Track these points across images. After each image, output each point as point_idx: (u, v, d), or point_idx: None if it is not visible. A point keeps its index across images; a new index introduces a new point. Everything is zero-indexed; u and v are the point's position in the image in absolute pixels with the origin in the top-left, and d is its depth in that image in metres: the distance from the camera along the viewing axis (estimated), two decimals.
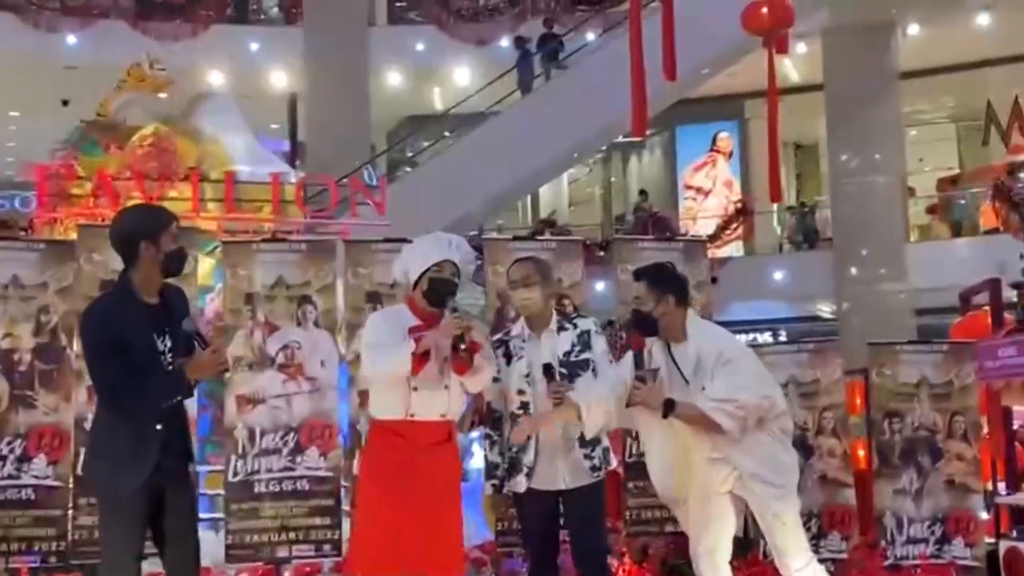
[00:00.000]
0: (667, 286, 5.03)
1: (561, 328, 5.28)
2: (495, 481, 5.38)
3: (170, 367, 4.58)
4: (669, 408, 4.82)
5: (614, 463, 5.39)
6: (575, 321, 5.34)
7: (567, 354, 5.22)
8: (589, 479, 5.19)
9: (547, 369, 5.13)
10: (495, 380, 5.23)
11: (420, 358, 4.74)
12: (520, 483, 5.22)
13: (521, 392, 5.22)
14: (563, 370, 5.16)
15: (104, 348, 4.51)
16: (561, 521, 5.34)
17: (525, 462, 5.19)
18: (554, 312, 5.34)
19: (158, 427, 4.53)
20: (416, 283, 4.93)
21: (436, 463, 4.88)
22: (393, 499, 4.80)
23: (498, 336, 5.49)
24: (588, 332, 5.28)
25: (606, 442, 5.29)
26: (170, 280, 4.80)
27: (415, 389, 4.81)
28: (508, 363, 5.26)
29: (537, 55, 19.13)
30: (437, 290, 4.86)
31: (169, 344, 4.60)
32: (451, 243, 4.99)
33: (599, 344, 5.29)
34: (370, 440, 5.12)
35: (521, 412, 5.21)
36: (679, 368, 4.96)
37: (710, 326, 5.24)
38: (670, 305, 4.99)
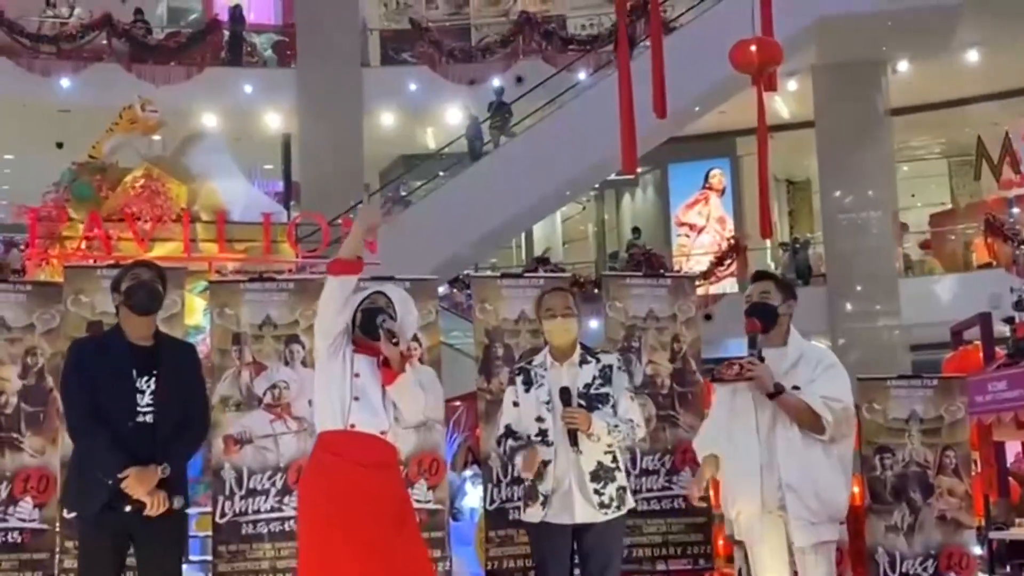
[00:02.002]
0: (791, 291, 5.24)
1: (584, 361, 5.28)
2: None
3: (149, 408, 4.69)
4: (779, 390, 4.89)
5: (630, 502, 5.30)
6: (598, 355, 5.33)
7: (587, 386, 5.20)
8: (599, 516, 5.14)
9: (564, 393, 5.13)
10: (514, 404, 5.27)
11: (387, 368, 4.71)
12: (535, 513, 5.18)
13: (540, 419, 5.20)
14: (581, 402, 5.14)
15: (70, 379, 4.80)
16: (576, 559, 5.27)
17: (542, 491, 5.15)
18: (579, 345, 5.33)
19: (109, 481, 4.58)
20: (354, 324, 4.88)
21: (383, 493, 4.74)
22: (344, 536, 4.63)
23: (520, 364, 5.54)
24: (611, 367, 5.28)
25: (622, 480, 5.23)
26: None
27: (356, 399, 4.73)
28: (528, 390, 5.26)
29: (485, 122, 19.26)
30: (369, 316, 4.79)
31: (153, 386, 4.72)
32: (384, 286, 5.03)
33: (621, 380, 5.28)
34: (317, 451, 4.87)
35: (539, 440, 5.18)
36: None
37: (809, 341, 5.34)
38: (790, 309, 5.15)
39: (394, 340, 4.70)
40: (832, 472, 4.97)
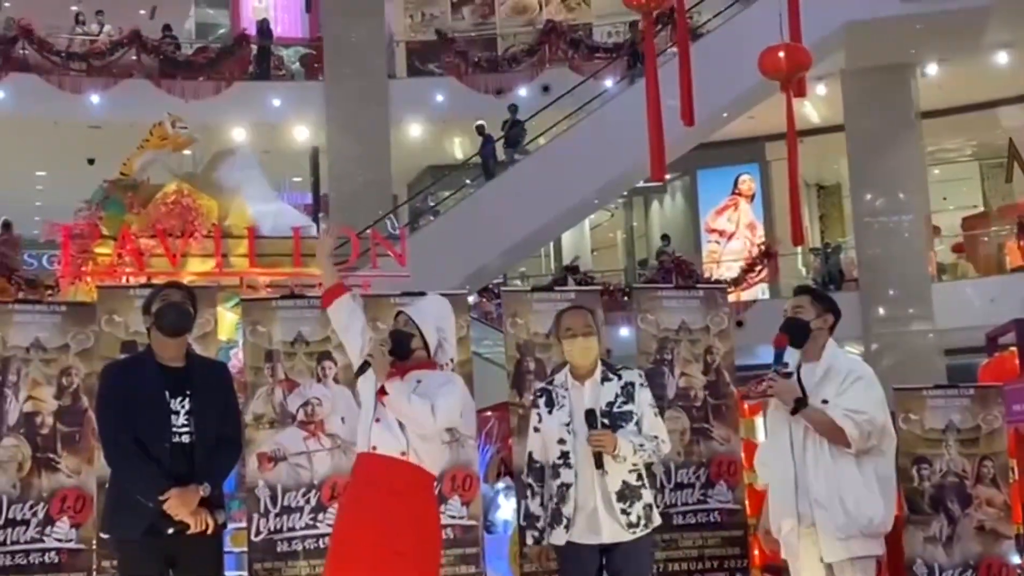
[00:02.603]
0: (829, 305, 5.19)
1: (605, 379, 5.22)
2: (535, 533, 5.23)
3: (185, 428, 4.72)
4: (800, 405, 4.88)
5: (657, 520, 5.23)
6: (620, 372, 5.26)
7: (610, 404, 5.15)
8: (627, 535, 5.08)
9: (589, 415, 5.08)
10: (535, 430, 5.24)
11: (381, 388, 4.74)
12: (560, 535, 5.13)
13: (562, 441, 5.14)
14: (605, 420, 5.09)
15: (104, 404, 4.86)
16: None
17: (565, 513, 5.11)
18: (600, 362, 5.29)
19: (151, 504, 4.60)
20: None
21: (392, 517, 4.70)
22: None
23: (542, 385, 5.48)
24: (633, 384, 5.21)
25: (648, 498, 5.17)
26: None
27: (377, 420, 4.74)
28: (550, 412, 5.21)
29: (499, 140, 19.29)
30: (395, 339, 4.80)
31: (187, 406, 4.75)
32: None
33: (644, 396, 5.22)
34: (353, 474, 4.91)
35: (561, 462, 5.13)
36: (801, 383, 5.01)
37: (845, 353, 5.31)
38: (826, 323, 5.11)
39: (385, 348, 4.73)
40: (865, 488, 4.92)
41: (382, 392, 4.71)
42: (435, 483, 4.91)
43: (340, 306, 4.90)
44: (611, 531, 5.08)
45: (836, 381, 4.97)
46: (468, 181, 20.18)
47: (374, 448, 4.73)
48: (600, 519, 5.08)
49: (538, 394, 5.34)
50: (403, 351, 4.77)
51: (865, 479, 4.93)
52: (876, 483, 4.96)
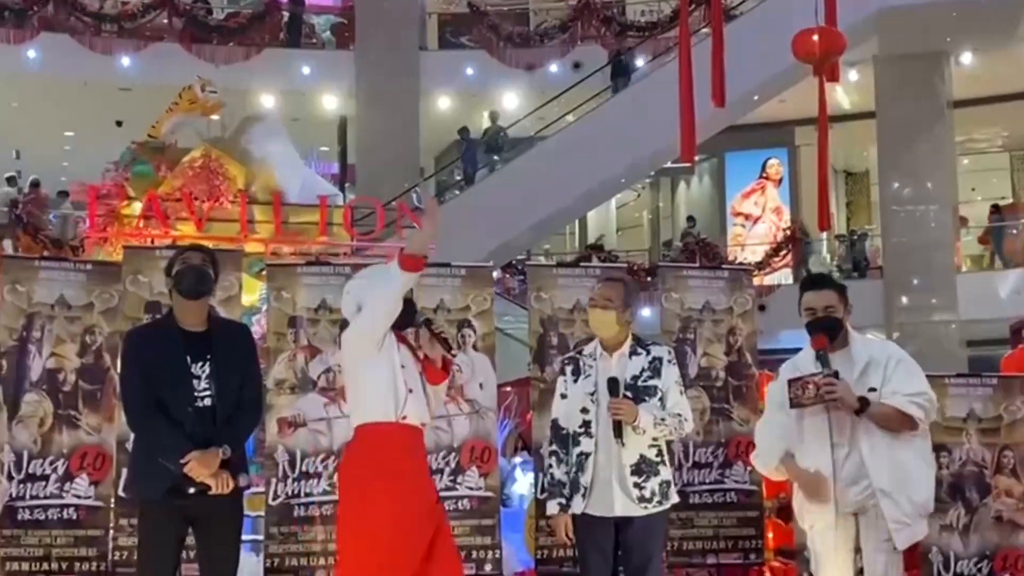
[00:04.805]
0: (846, 295, 5.10)
1: (634, 352, 5.22)
2: (561, 500, 5.21)
3: (207, 392, 4.74)
4: (865, 405, 4.79)
5: (674, 498, 5.23)
6: (649, 347, 5.26)
7: (635, 378, 5.15)
8: (638, 510, 5.08)
9: (611, 383, 5.10)
10: (562, 397, 5.26)
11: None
12: (577, 504, 5.14)
13: (584, 411, 5.17)
14: (628, 393, 5.10)
15: (127, 370, 4.89)
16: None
17: (582, 482, 5.12)
18: (631, 336, 5.28)
19: (172, 467, 4.61)
20: None
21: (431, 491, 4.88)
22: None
23: (570, 353, 5.53)
24: (660, 360, 5.21)
25: (666, 475, 5.16)
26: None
27: (411, 391, 4.76)
28: (576, 380, 5.24)
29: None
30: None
31: (208, 371, 4.77)
32: None
33: (670, 373, 5.21)
34: (369, 442, 4.80)
35: (582, 431, 5.16)
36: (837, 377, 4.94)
37: (866, 336, 5.27)
38: (849, 312, 5.05)
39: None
40: (919, 470, 4.90)
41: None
42: None
43: (414, 279, 4.72)
44: (623, 505, 5.08)
45: (880, 368, 4.90)
46: (496, 158, 20.14)
47: (404, 418, 4.74)
48: (613, 492, 5.08)
49: (566, 362, 5.38)
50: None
51: (916, 461, 4.90)
52: (924, 461, 4.96)
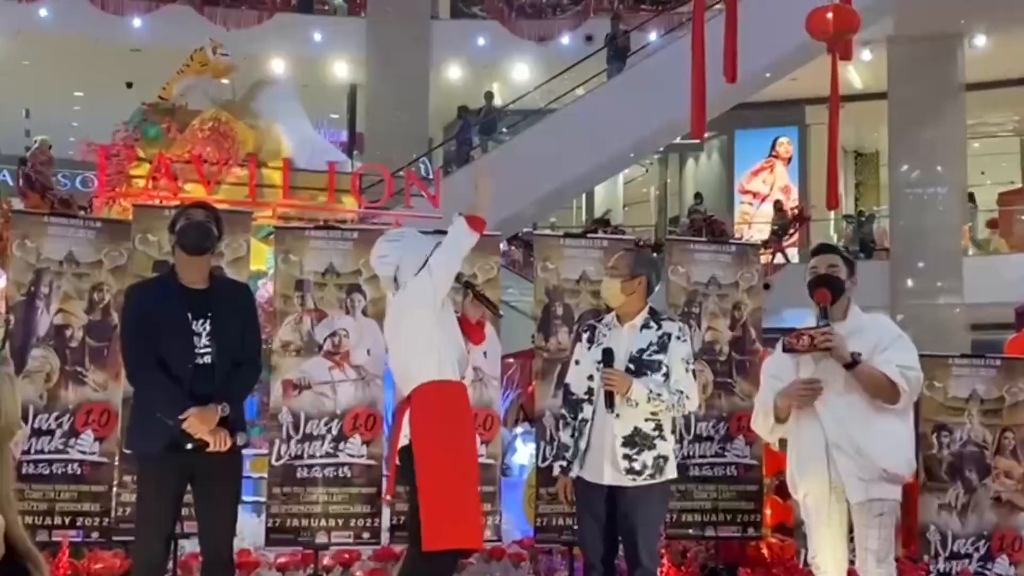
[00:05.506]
0: (854, 267, 5.16)
1: (646, 326, 5.25)
2: (563, 463, 5.28)
3: (207, 350, 4.78)
4: (856, 360, 4.84)
5: (671, 473, 5.24)
6: (661, 322, 5.30)
7: (641, 351, 5.18)
8: (626, 481, 5.11)
9: (606, 354, 5.14)
10: (576, 363, 5.34)
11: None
12: (576, 468, 5.23)
13: (590, 378, 5.23)
14: (631, 365, 5.14)
15: (127, 325, 4.93)
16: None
17: (580, 447, 5.20)
18: (646, 310, 5.30)
19: (171, 422, 4.65)
20: None
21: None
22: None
23: (590, 321, 5.59)
24: (669, 335, 5.22)
25: (663, 450, 5.17)
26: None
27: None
28: (589, 348, 5.30)
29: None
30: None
31: (209, 328, 4.80)
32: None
33: (678, 349, 5.21)
34: (440, 399, 5.05)
35: (585, 398, 5.23)
36: None
37: (873, 316, 5.31)
38: (854, 284, 5.09)
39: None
40: (889, 440, 4.88)
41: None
42: None
43: (475, 239, 5.10)
44: (611, 474, 5.14)
45: (871, 337, 4.93)
46: (504, 130, 20.12)
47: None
48: (603, 461, 5.14)
49: (584, 329, 5.47)
50: None
51: (896, 428, 4.92)
52: (906, 432, 4.99)
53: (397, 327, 5.05)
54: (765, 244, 18.56)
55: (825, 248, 5.34)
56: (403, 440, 4.98)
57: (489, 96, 20.17)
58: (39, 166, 16.85)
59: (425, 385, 4.86)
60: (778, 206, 20.91)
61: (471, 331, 5.06)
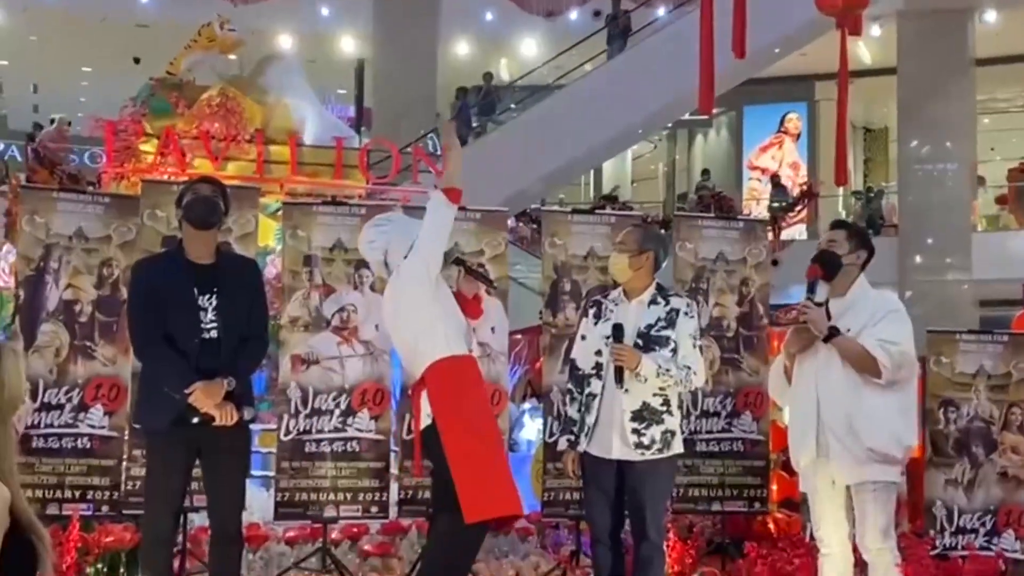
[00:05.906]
0: (864, 242, 5.14)
1: (653, 302, 5.25)
2: (570, 436, 5.29)
3: (213, 324, 4.80)
4: (833, 333, 4.87)
5: (677, 448, 5.24)
6: (669, 297, 5.30)
7: (649, 327, 5.18)
8: (635, 455, 5.12)
9: (616, 329, 5.14)
10: (582, 338, 5.34)
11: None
12: (583, 443, 5.24)
13: (598, 353, 5.23)
14: (639, 341, 5.14)
15: (135, 300, 4.95)
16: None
17: (587, 422, 5.21)
18: (654, 286, 5.31)
19: (177, 396, 4.67)
20: None
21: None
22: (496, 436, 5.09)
23: (596, 296, 5.59)
24: (677, 311, 5.22)
25: (671, 424, 5.18)
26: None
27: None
28: (596, 324, 5.30)
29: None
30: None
31: (215, 303, 4.82)
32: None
33: (686, 325, 5.22)
34: (455, 375, 4.94)
35: (593, 372, 5.22)
36: (828, 315, 4.99)
37: (880, 291, 5.30)
38: (858, 260, 5.07)
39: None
40: (883, 413, 4.88)
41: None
42: None
43: (454, 210, 4.94)
44: (620, 449, 5.15)
45: (864, 313, 4.93)
46: (512, 106, 20.08)
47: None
48: (612, 435, 5.15)
49: (590, 304, 5.48)
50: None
51: (885, 404, 4.90)
52: (897, 407, 4.96)
53: (396, 311, 5.00)
54: (773, 220, 18.58)
55: (834, 224, 5.37)
56: (425, 420, 4.86)
57: (488, 77, 20.06)
58: (55, 145, 16.87)
59: (437, 363, 4.83)
60: (775, 180, 20.88)
61: (468, 306, 5.02)
